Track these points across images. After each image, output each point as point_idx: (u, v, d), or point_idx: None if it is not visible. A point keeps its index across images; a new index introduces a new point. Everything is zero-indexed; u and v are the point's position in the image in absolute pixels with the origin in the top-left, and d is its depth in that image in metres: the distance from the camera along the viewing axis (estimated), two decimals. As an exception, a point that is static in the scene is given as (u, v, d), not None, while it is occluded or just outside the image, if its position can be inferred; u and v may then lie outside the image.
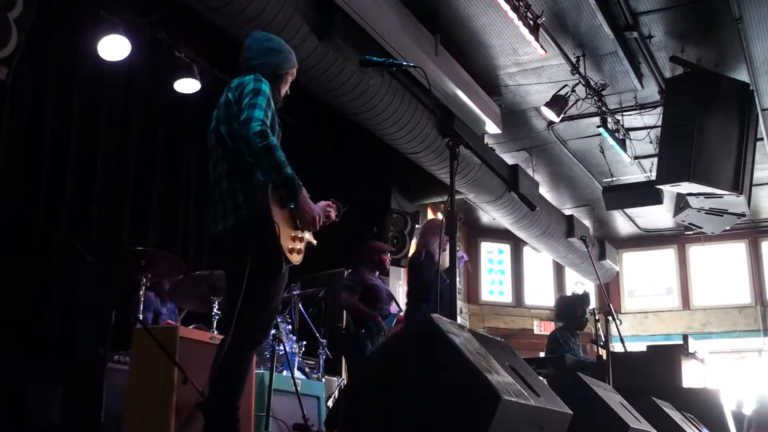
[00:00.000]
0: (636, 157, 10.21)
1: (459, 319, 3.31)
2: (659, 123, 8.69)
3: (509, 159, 10.56)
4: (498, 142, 10.32)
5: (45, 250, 5.79)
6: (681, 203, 9.37)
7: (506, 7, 6.72)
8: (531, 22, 7.12)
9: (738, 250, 14.56)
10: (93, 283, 5.72)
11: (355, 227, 7.95)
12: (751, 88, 8.26)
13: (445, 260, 5.65)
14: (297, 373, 5.27)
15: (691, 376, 6.83)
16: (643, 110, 9.32)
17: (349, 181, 8.80)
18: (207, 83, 6.82)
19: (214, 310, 4.83)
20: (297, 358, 5.56)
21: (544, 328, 13.92)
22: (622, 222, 13.95)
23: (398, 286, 9.60)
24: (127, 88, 6.74)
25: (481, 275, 14.63)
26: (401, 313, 6.30)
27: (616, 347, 7.76)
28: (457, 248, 5.59)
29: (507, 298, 14.82)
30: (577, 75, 8.24)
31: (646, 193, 10.06)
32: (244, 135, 3.03)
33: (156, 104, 7.03)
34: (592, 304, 7.32)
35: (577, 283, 14.78)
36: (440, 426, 2.39)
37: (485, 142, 9.70)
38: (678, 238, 14.65)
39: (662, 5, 7.40)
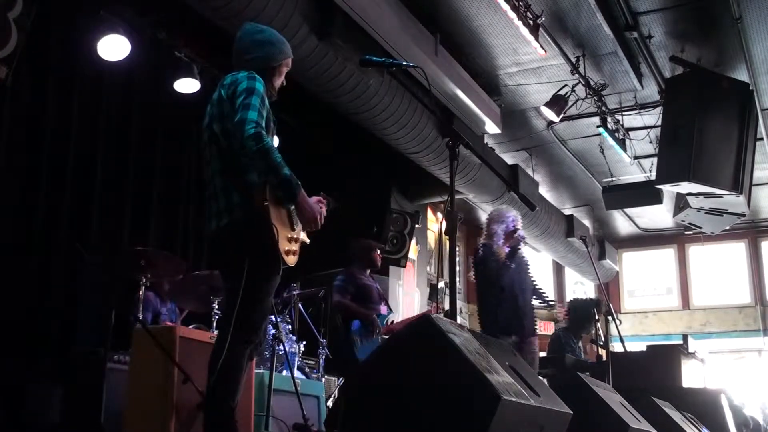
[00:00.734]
0: (636, 157, 10.22)
1: (459, 319, 3.31)
2: (659, 123, 8.69)
3: (509, 159, 10.56)
4: (498, 142, 10.32)
5: (45, 250, 5.79)
6: (681, 203, 9.38)
7: (506, 7, 6.72)
8: (531, 22, 7.12)
9: (738, 249, 14.56)
10: (93, 283, 5.72)
11: (355, 227, 7.97)
12: (750, 88, 8.26)
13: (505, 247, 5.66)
14: (297, 373, 5.27)
15: (691, 375, 6.84)
16: (642, 110, 9.32)
17: (349, 181, 8.80)
18: (207, 83, 6.81)
19: (214, 310, 4.83)
20: (297, 358, 5.56)
21: (544, 328, 13.89)
22: (622, 222, 13.96)
23: (398, 286, 9.60)
24: (127, 88, 6.74)
25: (481, 275, 14.60)
26: (392, 314, 6.28)
27: (616, 347, 7.77)
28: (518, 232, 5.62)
29: (507, 298, 14.79)
30: (576, 75, 8.24)
31: (645, 193, 10.07)
32: (238, 137, 3.00)
33: (156, 104, 7.03)
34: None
35: (577, 282, 14.80)
36: (440, 426, 2.39)
37: (485, 142, 9.70)
38: (678, 237, 14.65)
39: (662, 5, 7.40)
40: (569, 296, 13.79)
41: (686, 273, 14.84)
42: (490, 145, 10.05)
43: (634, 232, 14.51)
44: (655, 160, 9.28)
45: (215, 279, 4.74)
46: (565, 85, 8.43)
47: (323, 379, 5.86)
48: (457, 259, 13.09)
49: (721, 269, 14.54)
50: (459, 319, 3.27)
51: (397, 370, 2.55)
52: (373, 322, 5.86)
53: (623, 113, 9.43)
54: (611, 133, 9.22)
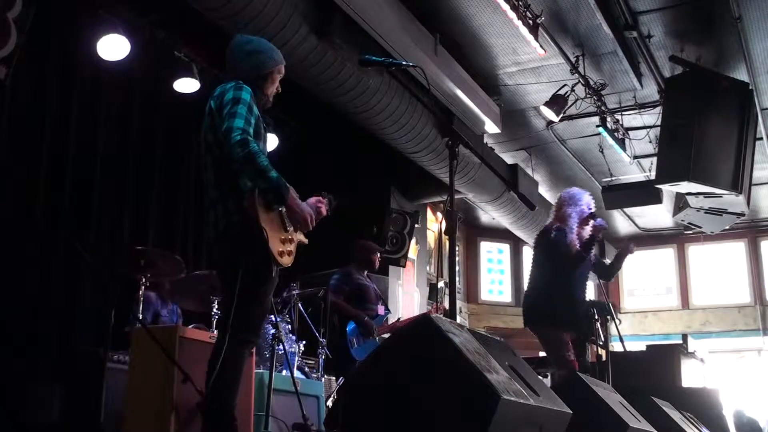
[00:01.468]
0: (635, 157, 10.22)
1: (459, 319, 3.31)
2: (659, 122, 8.69)
3: (509, 159, 10.56)
4: (497, 142, 10.32)
5: (45, 250, 5.79)
6: (680, 203, 9.38)
7: (506, 6, 6.72)
8: (530, 22, 7.12)
9: (737, 249, 14.56)
10: (93, 283, 5.72)
11: (355, 227, 7.97)
12: (750, 87, 8.26)
13: (583, 236, 5.27)
14: (297, 373, 5.27)
15: (691, 375, 6.84)
16: (642, 110, 9.32)
17: (349, 181, 8.80)
18: (207, 83, 6.81)
19: (214, 310, 4.83)
20: (297, 358, 5.56)
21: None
22: (622, 221, 13.95)
23: (397, 286, 9.60)
24: (126, 88, 6.74)
25: (480, 275, 14.62)
26: (389, 315, 6.28)
27: (616, 347, 7.77)
28: (598, 217, 5.35)
29: (506, 297, 14.80)
30: (576, 74, 8.24)
31: (645, 193, 10.06)
32: (226, 145, 3.07)
33: (156, 104, 7.03)
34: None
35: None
36: (440, 426, 2.39)
37: (485, 141, 9.70)
38: (677, 237, 14.65)
39: (662, 5, 7.40)
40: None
41: (686, 273, 14.84)
42: (489, 145, 10.05)
43: (634, 231, 14.50)
44: (654, 159, 9.28)
45: (215, 279, 4.74)
46: (565, 85, 8.43)
47: (323, 379, 5.85)
48: (457, 258, 13.11)
49: (721, 269, 14.54)
50: (459, 319, 3.27)
51: (397, 370, 2.55)
52: (365, 324, 5.85)
53: (623, 113, 9.43)
54: (611, 132, 9.22)
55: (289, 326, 5.68)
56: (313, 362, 6.12)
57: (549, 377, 5.95)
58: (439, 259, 10.65)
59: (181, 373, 3.52)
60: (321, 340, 6.03)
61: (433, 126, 7.87)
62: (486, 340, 2.90)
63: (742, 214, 9.18)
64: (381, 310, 6.15)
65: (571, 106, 8.56)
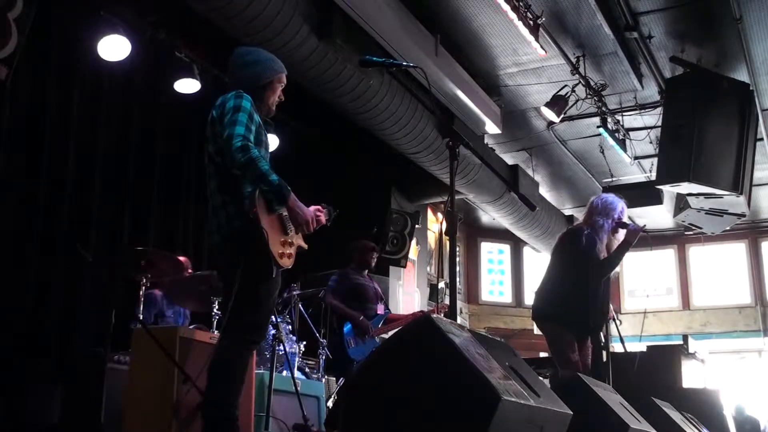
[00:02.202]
0: (636, 158, 10.21)
1: (459, 319, 3.31)
2: (659, 123, 8.68)
3: (509, 159, 10.56)
4: (498, 142, 10.32)
5: (45, 250, 5.79)
6: (681, 203, 9.37)
7: (506, 7, 6.71)
8: (531, 23, 7.12)
9: (738, 250, 14.55)
10: (93, 283, 5.72)
11: (355, 227, 7.96)
12: (751, 88, 8.26)
13: (612, 244, 5.13)
14: (297, 373, 5.27)
15: (691, 376, 6.84)
16: (643, 110, 9.31)
17: (349, 181, 8.80)
18: (207, 83, 6.82)
19: (214, 310, 4.83)
20: (297, 358, 5.56)
21: (544, 329, 13.91)
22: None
23: (398, 286, 9.60)
24: (127, 89, 6.74)
25: (481, 275, 14.62)
26: (390, 314, 6.28)
27: (616, 347, 7.76)
28: (630, 220, 5.23)
29: (507, 298, 14.81)
30: (577, 75, 8.24)
31: (646, 194, 10.06)
32: (227, 152, 3.13)
33: (156, 104, 7.03)
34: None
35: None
36: (440, 426, 2.39)
37: (485, 142, 9.70)
38: (678, 238, 14.64)
39: (662, 5, 7.40)
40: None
41: (686, 273, 14.83)
42: (490, 146, 10.05)
43: (634, 232, 14.48)
44: (655, 160, 9.27)
45: (215, 279, 4.74)
46: (565, 86, 8.43)
47: (323, 379, 5.85)
48: (457, 259, 13.10)
49: (722, 269, 14.53)
50: (459, 320, 3.27)
51: (397, 370, 2.55)
52: (361, 324, 5.85)
53: (623, 113, 9.43)
54: (611, 133, 9.21)
55: (290, 327, 5.68)
56: (313, 363, 6.12)
57: (548, 378, 5.94)
58: (440, 259, 10.65)
59: (181, 373, 3.52)
60: (321, 340, 6.03)
61: (434, 126, 7.87)
62: (486, 340, 2.90)
63: (743, 215, 9.18)
64: (380, 309, 6.15)
65: (571, 106, 8.55)
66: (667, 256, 15.03)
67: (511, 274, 14.86)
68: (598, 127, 9.15)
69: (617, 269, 5.57)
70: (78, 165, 6.20)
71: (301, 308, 6.08)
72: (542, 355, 8.39)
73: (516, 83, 8.95)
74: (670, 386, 6.27)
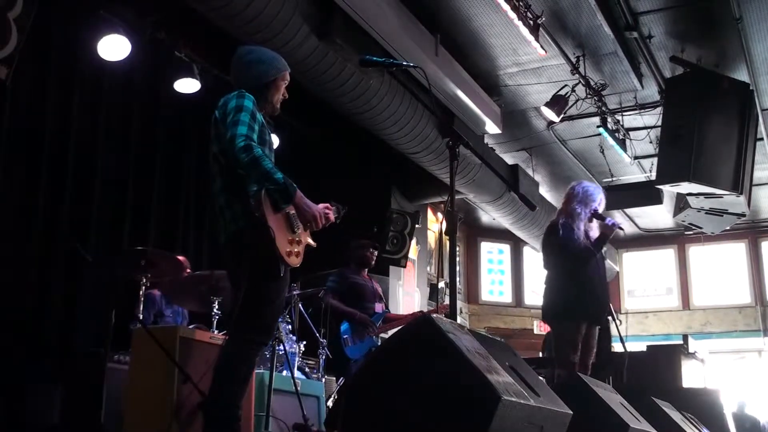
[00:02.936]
0: (636, 157, 10.21)
1: (459, 319, 3.31)
2: (659, 123, 8.69)
3: (509, 159, 10.56)
4: (498, 142, 10.32)
5: (45, 250, 5.79)
6: (681, 203, 9.38)
7: (506, 7, 6.72)
8: (531, 22, 7.12)
9: (738, 250, 14.56)
10: (93, 283, 5.72)
11: (355, 227, 7.96)
12: (751, 88, 8.26)
13: (589, 232, 5.16)
14: (297, 373, 5.26)
15: (691, 376, 6.85)
16: (643, 110, 9.31)
17: (349, 181, 8.79)
18: (207, 83, 6.81)
19: (214, 310, 4.83)
20: (297, 358, 5.55)
21: (544, 328, 13.90)
22: (622, 222, 13.93)
23: (398, 286, 9.60)
24: (127, 88, 6.74)
25: (481, 275, 14.63)
26: (389, 312, 6.28)
27: (616, 347, 7.77)
28: (608, 218, 5.25)
29: (507, 298, 14.82)
30: (577, 75, 8.24)
31: (646, 193, 10.07)
32: (231, 152, 3.12)
33: (156, 104, 7.03)
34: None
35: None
36: (440, 426, 2.39)
37: (485, 142, 9.70)
38: (678, 238, 14.65)
39: (662, 5, 7.40)
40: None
41: (686, 273, 14.84)
42: (490, 145, 10.05)
43: (634, 232, 14.50)
44: (655, 160, 9.28)
45: (216, 279, 4.74)
46: (565, 85, 8.43)
47: (323, 379, 5.85)
48: (457, 259, 13.10)
49: (721, 269, 14.54)
50: (459, 320, 3.27)
51: (397, 370, 2.55)
52: (359, 320, 5.85)
53: (623, 113, 9.43)
54: (611, 133, 9.22)
55: (290, 326, 5.68)
56: (313, 362, 6.12)
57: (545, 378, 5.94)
58: (440, 259, 10.65)
59: (181, 373, 3.52)
60: (321, 340, 6.03)
61: (434, 126, 7.87)
62: (486, 340, 2.90)
63: (743, 215, 9.18)
64: (379, 308, 6.14)
65: (571, 106, 8.56)
66: (667, 256, 15.04)
67: (511, 274, 14.87)
68: (598, 126, 9.15)
69: (616, 268, 5.60)
70: (78, 165, 6.20)
71: (301, 308, 6.07)
72: (542, 355, 8.38)
73: (516, 83, 8.95)
74: (670, 386, 6.28)
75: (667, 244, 14.95)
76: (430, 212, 11.20)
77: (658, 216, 13.25)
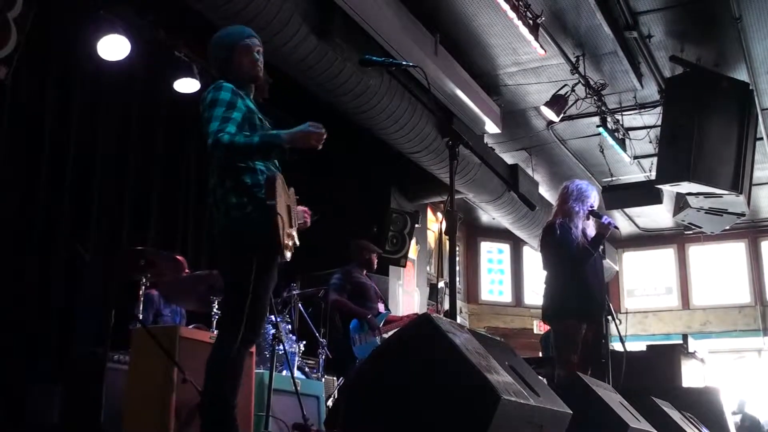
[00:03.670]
0: (636, 157, 10.22)
1: (459, 319, 3.31)
2: (659, 123, 8.69)
3: (509, 159, 10.57)
4: (498, 142, 10.33)
5: (45, 250, 5.79)
6: (681, 203, 9.38)
7: (506, 6, 6.72)
8: (531, 22, 7.12)
9: (738, 249, 14.56)
10: (93, 282, 5.72)
11: (355, 227, 7.97)
12: (750, 87, 8.26)
13: (586, 230, 5.16)
14: (297, 373, 5.27)
15: (691, 375, 6.84)
16: (642, 110, 9.32)
17: (349, 181, 8.80)
18: (207, 83, 6.78)
19: (214, 310, 4.83)
20: (297, 358, 5.56)
21: (543, 328, 13.89)
22: (622, 222, 13.95)
23: (398, 286, 9.60)
24: (127, 88, 6.73)
25: (480, 275, 14.63)
26: (389, 314, 6.29)
27: (616, 347, 7.77)
28: (604, 216, 5.28)
29: (507, 297, 14.82)
30: (576, 75, 8.24)
31: (645, 193, 10.07)
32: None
33: (156, 104, 7.03)
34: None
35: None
36: (440, 426, 2.39)
37: (485, 141, 9.70)
38: (678, 237, 14.65)
39: (662, 5, 7.40)
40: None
41: (686, 273, 14.84)
42: (490, 145, 10.06)
43: (634, 231, 14.51)
44: (655, 160, 9.28)
45: (215, 279, 4.74)
46: (565, 85, 8.43)
47: (323, 379, 5.86)
48: (457, 259, 13.11)
49: (721, 269, 14.54)
50: (459, 320, 3.27)
51: (398, 370, 2.55)
52: (370, 321, 5.86)
53: (623, 113, 9.43)
54: (611, 132, 9.22)
55: (290, 326, 5.68)
56: (313, 362, 6.13)
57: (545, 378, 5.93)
58: (440, 259, 10.66)
59: (181, 373, 3.52)
60: (321, 340, 6.03)
61: (434, 126, 7.87)
62: (486, 340, 2.90)
63: (743, 215, 9.19)
64: (381, 308, 6.16)
65: (571, 106, 8.56)
66: (667, 255, 15.05)
67: (510, 274, 14.87)
68: (598, 126, 9.16)
69: (615, 267, 5.61)
70: (78, 165, 6.19)
71: (301, 308, 6.08)
72: (542, 355, 8.39)
73: (516, 83, 8.95)
74: (670, 386, 6.27)
75: (666, 243, 14.96)
76: (429, 212, 11.21)
77: (657, 216, 13.26)
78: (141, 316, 4.71)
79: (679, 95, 8.17)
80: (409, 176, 9.23)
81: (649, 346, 7.55)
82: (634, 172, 10.83)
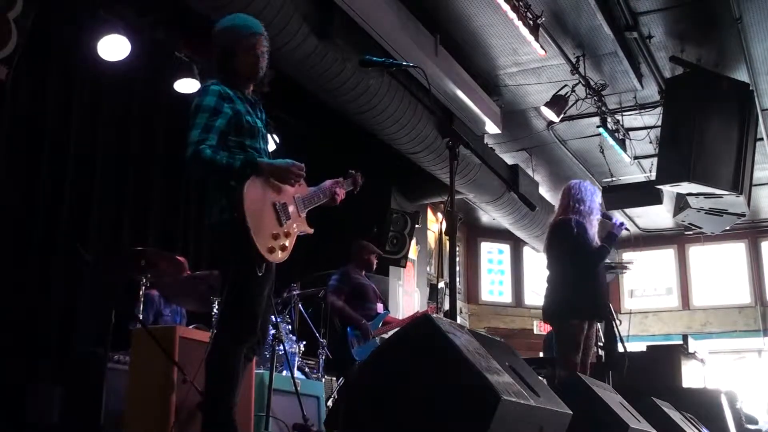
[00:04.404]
0: (636, 157, 10.21)
1: (459, 319, 3.31)
2: (659, 123, 8.69)
3: (509, 159, 10.56)
4: (498, 142, 10.32)
5: (45, 250, 5.79)
6: (681, 203, 9.38)
7: (506, 7, 6.72)
8: (531, 22, 7.12)
9: (738, 250, 14.56)
10: (93, 283, 5.72)
11: (355, 227, 7.97)
12: (751, 88, 8.26)
13: (595, 229, 5.19)
14: (297, 373, 5.27)
15: (691, 376, 6.85)
16: (642, 110, 9.31)
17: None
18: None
19: (214, 310, 4.83)
20: (297, 358, 5.56)
21: (543, 329, 13.89)
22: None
23: (398, 286, 9.60)
24: (127, 88, 6.73)
25: (481, 275, 14.63)
26: (389, 314, 6.29)
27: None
28: (614, 218, 5.31)
29: (507, 298, 14.81)
30: (576, 75, 8.24)
31: (646, 193, 10.06)
32: None
33: (156, 104, 7.03)
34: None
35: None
36: (440, 426, 2.39)
37: (485, 142, 9.70)
38: (678, 238, 14.65)
39: (662, 5, 7.40)
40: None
41: (686, 273, 14.84)
42: (490, 145, 10.05)
43: (634, 232, 14.50)
44: (655, 160, 9.28)
45: (215, 279, 4.73)
46: (565, 85, 8.43)
47: (323, 379, 5.86)
48: (457, 259, 13.10)
49: (721, 269, 14.53)
50: (459, 320, 3.27)
51: (397, 370, 2.55)
52: (362, 327, 5.87)
53: (623, 113, 9.43)
54: (611, 133, 9.22)
55: (290, 326, 5.68)
56: (313, 362, 6.12)
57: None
58: (440, 259, 10.66)
59: (181, 373, 3.52)
60: (321, 340, 6.04)
61: (434, 126, 7.87)
62: (486, 340, 2.90)
63: (743, 215, 9.18)
64: (380, 308, 6.16)
65: (571, 106, 8.56)
66: (667, 256, 15.04)
67: (510, 274, 14.87)
68: (598, 126, 9.15)
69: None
70: (78, 165, 6.19)
71: (301, 308, 6.08)
72: (542, 355, 8.39)
73: (516, 83, 8.95)
74: (670, 386, 6.27)
75: (667, 244, 14.95)
76: (430, 212, 11.20)
77: (657, 216, 13.25)
78: (141, 316, 4.72)
79: (679, 95, 8.17)
80: (409, 176, 9.22)
81: (649, 347, 7.56)
82: (634, 172, 10.83)
